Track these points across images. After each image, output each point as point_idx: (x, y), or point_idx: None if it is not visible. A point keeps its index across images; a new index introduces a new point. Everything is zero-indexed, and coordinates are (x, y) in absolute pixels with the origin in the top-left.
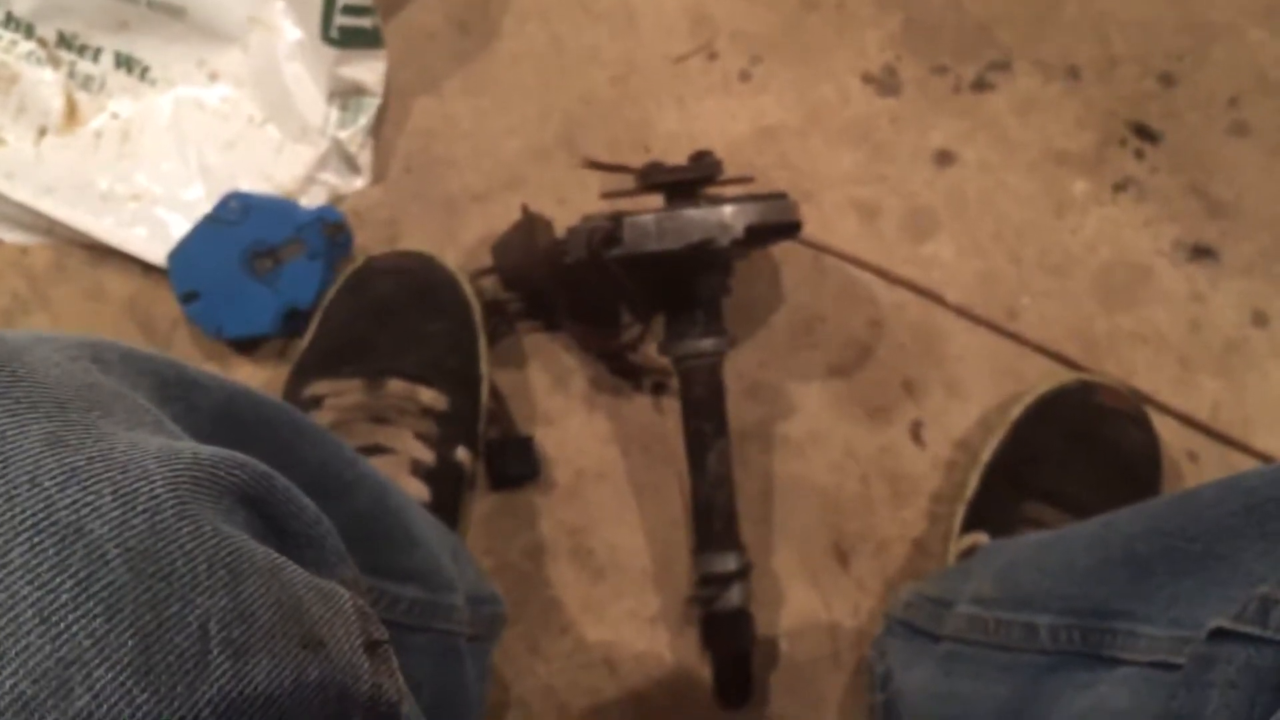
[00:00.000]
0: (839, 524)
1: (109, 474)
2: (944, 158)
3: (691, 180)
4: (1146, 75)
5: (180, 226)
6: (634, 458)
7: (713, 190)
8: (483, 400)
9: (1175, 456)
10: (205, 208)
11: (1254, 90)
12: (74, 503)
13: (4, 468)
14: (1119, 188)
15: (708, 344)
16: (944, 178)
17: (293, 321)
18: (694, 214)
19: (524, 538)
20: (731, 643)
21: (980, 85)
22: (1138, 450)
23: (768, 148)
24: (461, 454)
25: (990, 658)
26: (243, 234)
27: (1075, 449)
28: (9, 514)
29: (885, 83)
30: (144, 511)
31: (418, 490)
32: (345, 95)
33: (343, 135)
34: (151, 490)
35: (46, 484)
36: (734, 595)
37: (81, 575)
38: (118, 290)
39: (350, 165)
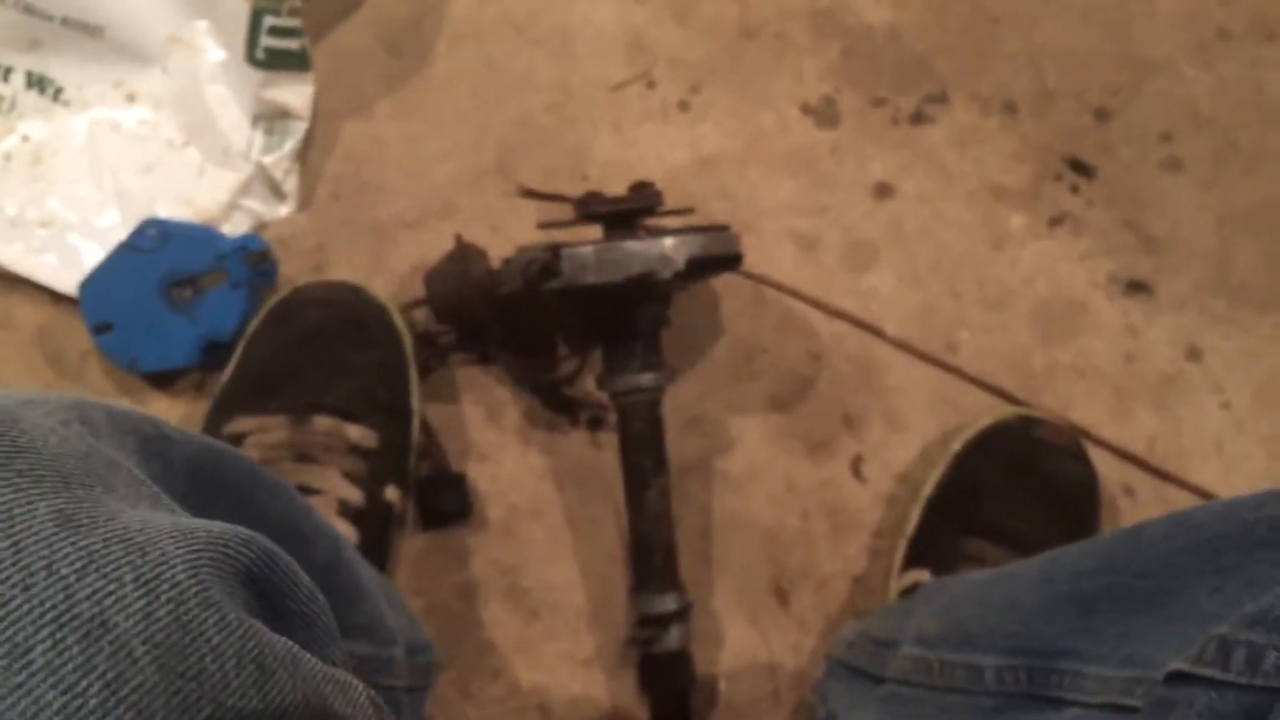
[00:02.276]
0: (779, 560)
1: (128, 558)
2: (883, 190)
3: (631, 211)
4: (1082, 110)
5: (94, 254)
6: (569, 493)
7: (653, 221)
8: (414, 436)
9: (1112, 491)
10: (121, 235)
11: (1186, 126)
12: (95, 592)
13: (17, 553)
14: (1055, 222)
15: (647, 379)
16: (883, 209)
17: (213, 354)
18: (634, 246)
19: (456, 577)
20: (670, 685)
21: (918, 118)
22: (1077, 485)
23: (707, 177)
24: (391, 493)
25: (934, 700)
26: (160, 262)
27: (1015, 484)
28: (27, 607)
29: (824, 113)
30: (168, 601)
31: (346, 531)
32: (271, 119)
33: (268, 160)
34: (173, 576)
35: (64, 570)
36: (673, 637)
37: (109, 677)
38: (26, 320)
39: (275, 191)
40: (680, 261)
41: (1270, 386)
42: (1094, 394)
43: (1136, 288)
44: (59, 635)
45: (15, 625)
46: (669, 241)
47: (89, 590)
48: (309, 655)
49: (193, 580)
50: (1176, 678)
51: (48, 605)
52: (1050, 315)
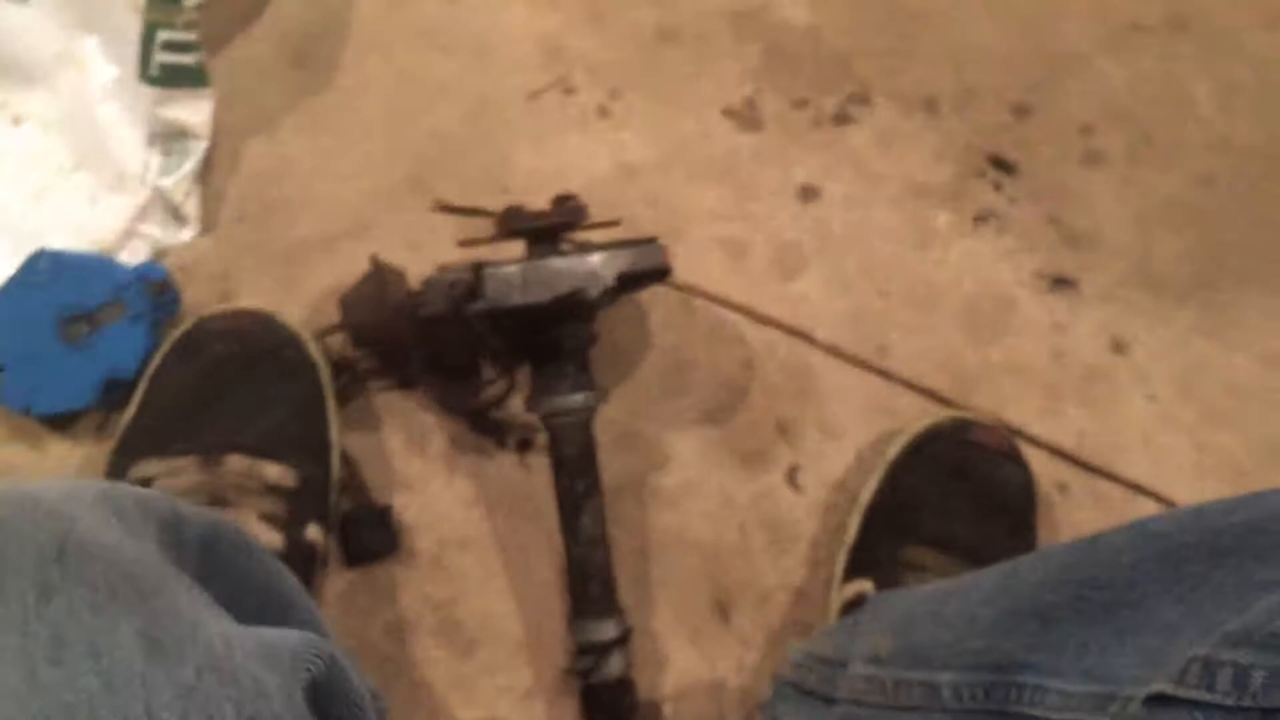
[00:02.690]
0: (718, 577)
1: (225, 690)
2: (808, 193)
3: (555, 226)
4: (1001, 107)
5: None
6: (500, 520)
7: (578, 235)
8: (334, 470)
9: (1045, 488)
10: (9, 269)
11: (1104, 119)
12: None
13: (112, 695)
14: (980, 219)
15: (578, 399)
16: (809, 213)
17: (114, 393)
18: (561, 264)
19: (385, 615)
20: (614, 714)
21: (841, 118)
22: (1013, 488)
23: (630, 186)
24: (313, 532)
25: None
26: (53, 297)
27: (953, 489)
28: None
29: (746, 117)
30: None
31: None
32: (168, 139)
33: (166, 183)
34: (273, 710)
35: (165, 715)
36: (614, 664)
37: None
38: None
39: (175, 215)
40: (609, 278)
41: (1193, 377)
42: (1024, 391)
43: (1061, 283)
44: None
45: None
46: (596, 258)
47: None
48: None
49: (290, 711)
50: (1158, 700)
51: None
52: (979, 314)
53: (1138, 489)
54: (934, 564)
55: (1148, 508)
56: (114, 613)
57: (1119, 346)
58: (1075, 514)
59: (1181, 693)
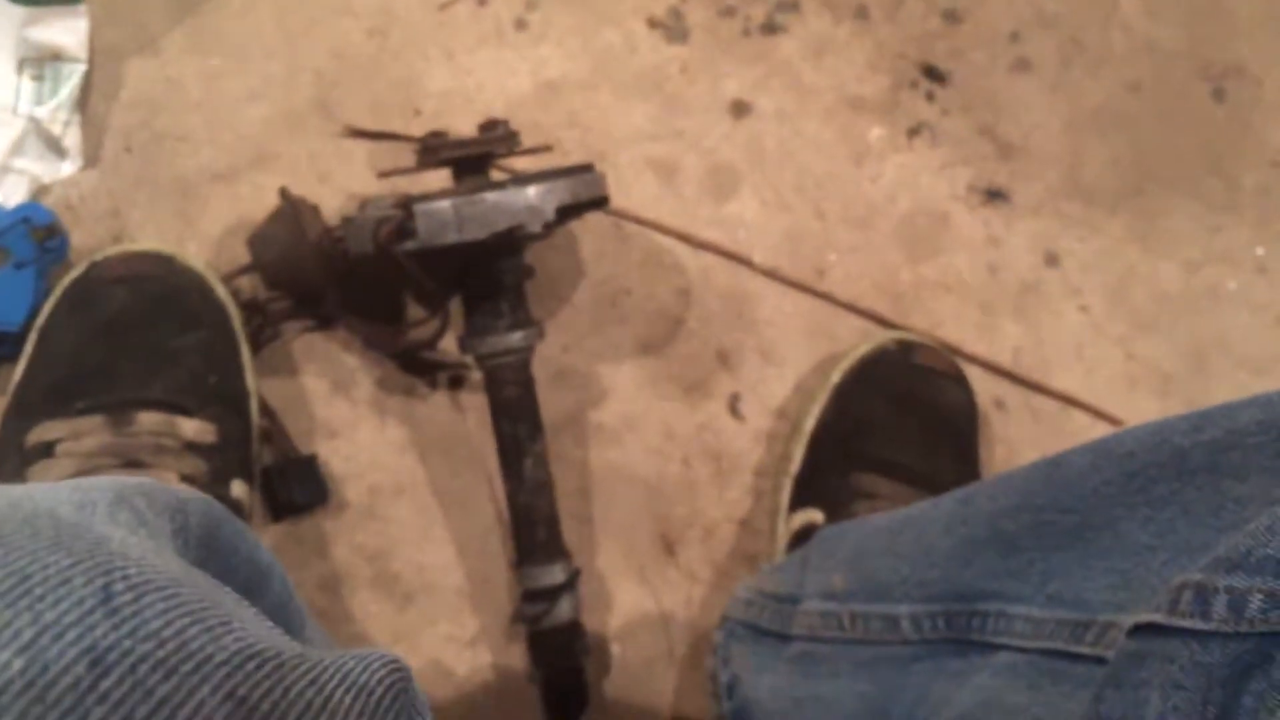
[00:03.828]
0: (663, 512)
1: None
2: (739, 108)
3: (485, 155)
4: (931, 13)
5: None
6: (435, 465)
7: (506, 163)
8: (253, 420)
9: (984, 406)
10: None
11: (1033, 24)
12: None
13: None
14: (913, 132)
15: (516, 338)
16: (741, 129)
17: (1, 347)
18: (497, 198)
19: (317, 570)
20: (564, 659)
21: (770, 28)
22: (958, 409)
23: (553, 104)
24: (237, 489)
25: (849, 654)
26: None
27: (899, 414)
28: None
29: (672, 27)
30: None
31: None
32: (40, 63)
33: (40, 112)
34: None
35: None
36: (563, 609)
37: None
38: None
39: (54, 148)
40: (549, 211)
41: (1124, 286)
42: (961, 309)
43: (995, 196)
44: None
45: None
46: (533, 190)
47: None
48: None
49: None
50: (1147, 630)
51: None
52: (914, 231)
53: (1072, 402)
54: (884, 490)
55: (1081, 421)
56: (181, 622)
57: (1051, 259)
58: (1012, 430)
59: (1175, 621)
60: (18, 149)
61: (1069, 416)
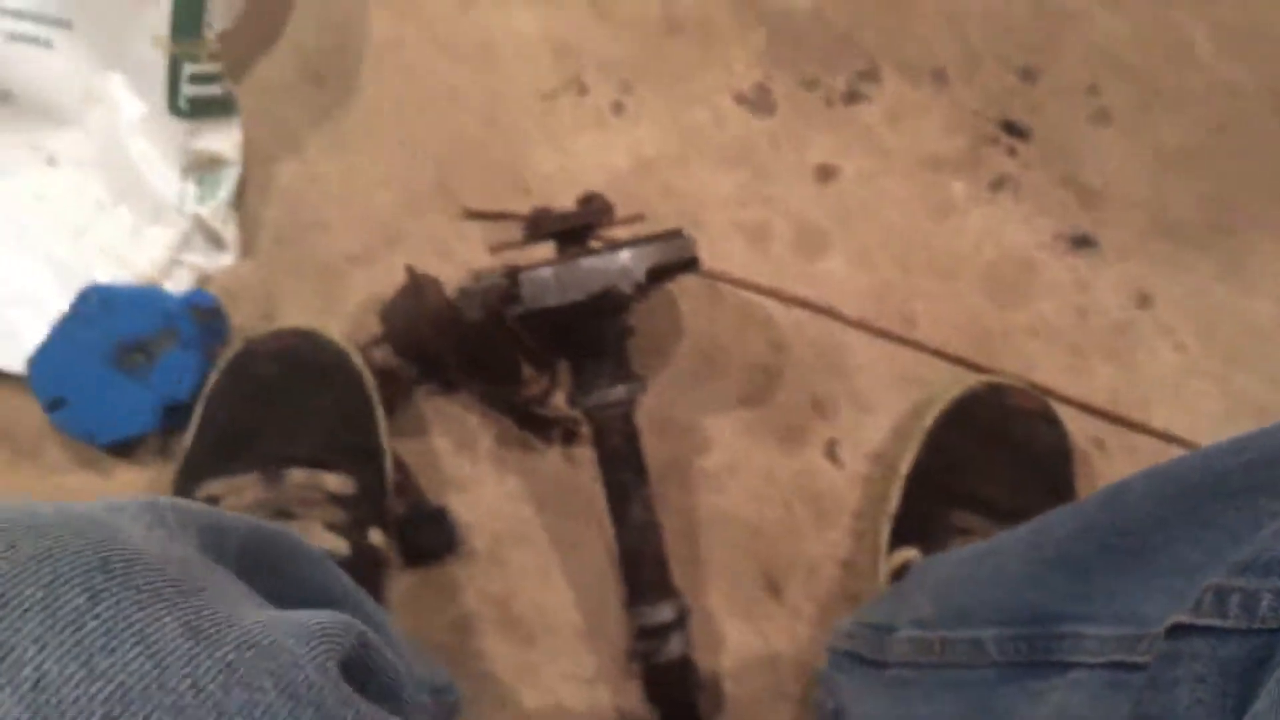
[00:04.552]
0: (766, 553)
1: (264, 664)
2: (824, 172)
3: (583, 226)
4: (1008, 71)
5: (35, 328)
6: (551, 514)
7: (605, 233)
8: (388, 475)
9: (1083, 446)
10: (61, 306)
11: (1110, 76)
12: (243, 705)
13: (161, 673)
14: (995, 186)
15: (619, 391)
16: (827, 192)
17: (172, 417)
18: (593, 263)
19: (448, 612)
20: (677, 693)
21: (851, 96)
22: (1050, 446)
23: (649, 178)
24: (375, 536)
25: (940, 678)
26: (108, 330)
27: (991, 453)
28: None
29: (758, 102)
30: (309, 704)
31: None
32: (201, 168)
33: (203, 211)
34: (308, 678)
35: (210, 687)
36: (674, 645)
37: None
38: None
39: (215, 242)
40: (640, 273)
41: (1218, 323)
42: (1052, 352)
43: (1081, 242)
44: None
45: None
46: (626, 254)
47: (238, 704)
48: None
49: (325, 679)
50: (1178, 630)
51: None
52: (1001, 279)
53: (1172, 439)
54: (978, 527)
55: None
56: (158, 608)
57: (1143, 300)
58: (1113, 468)
59: (1197, 620)
60: (185, 244)
61: (1168, 453)
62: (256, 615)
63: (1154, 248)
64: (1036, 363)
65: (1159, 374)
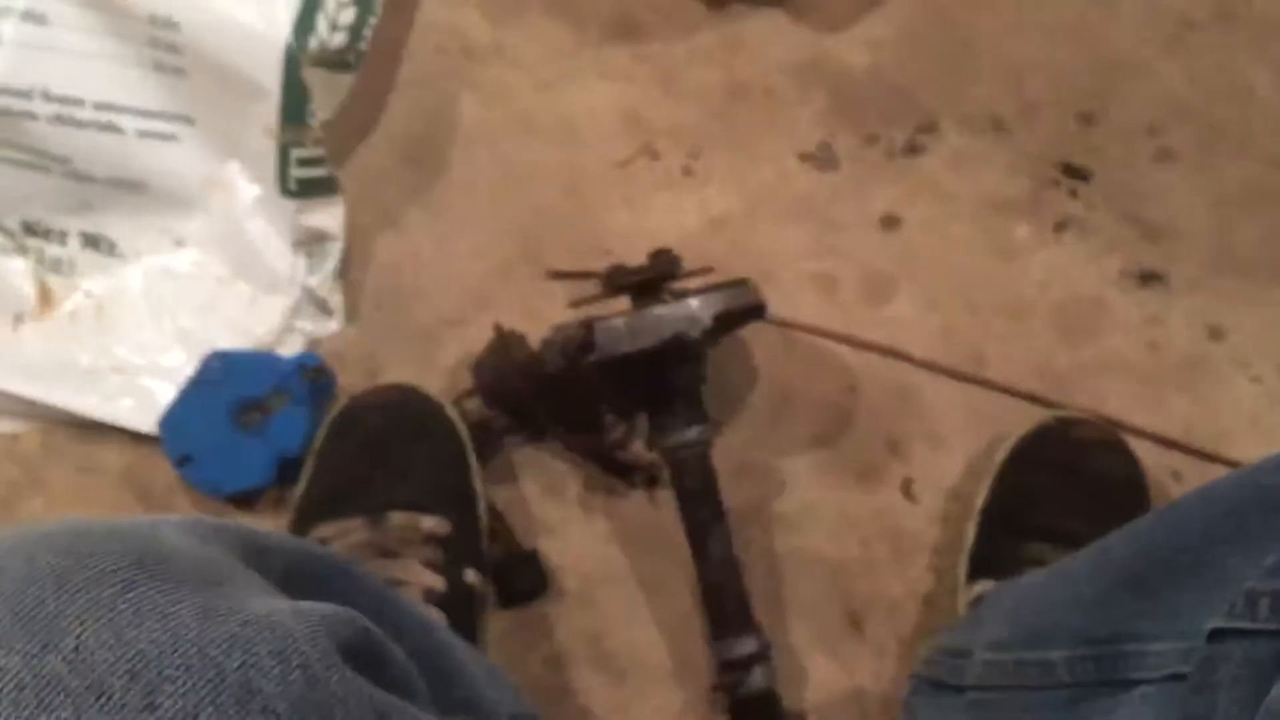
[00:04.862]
0: (848, 590)
1: (261, 636)
2: (889, 222)
3: (654, 279)
4: (1066, 116)
5: (165, 392)
6: (637, 554)
7: (676, 285)
8: (482, 519)
9: (1160, 478)
10: (187, 371)
11: (1170, 117)
12: (240, 665)
13: (175, 643)
14: (1060, 227)
15: (693, 433)
16: (892, 241)
17: (286, 469)
18: (662, 311)
19: (542, 650)
20: None
21: (912, 149)
22: (1122, 477)
23: (719, 236)
24: (471, 576)
25: (1014, 700)
26: (228, 391)
27: (1064, 486)
28: (191, 682)
29: (822, 158)
30: (298, 667)
31: (433, 617)
32: (310, 243)
33: (312, 282)
34: (299, 647)
35: (214, 653)
36: (758, 677)
37: None
38: (112, 463)
39: (323, 309)
40: (707, 319)
41: None
42: (1124, 387)
43: (1149, 278)
44: (219, 700)
45: (184, 697)
46: (693, 302)
47: (236, 664)
48: (412, 707)
49: (315, 649)
50: (1215, 634)
51: (206, 679)
52: (1069, 317)
53: None
54: (1053, 559)
55: None
56: (180, 595)
57: (1216, 333)
58: None
59: (1232, 624)
60: (296, 312)
61: None
62: (267, 603)
63: (1223, 282)
64: (1109, 397)
65: (1236, 405)
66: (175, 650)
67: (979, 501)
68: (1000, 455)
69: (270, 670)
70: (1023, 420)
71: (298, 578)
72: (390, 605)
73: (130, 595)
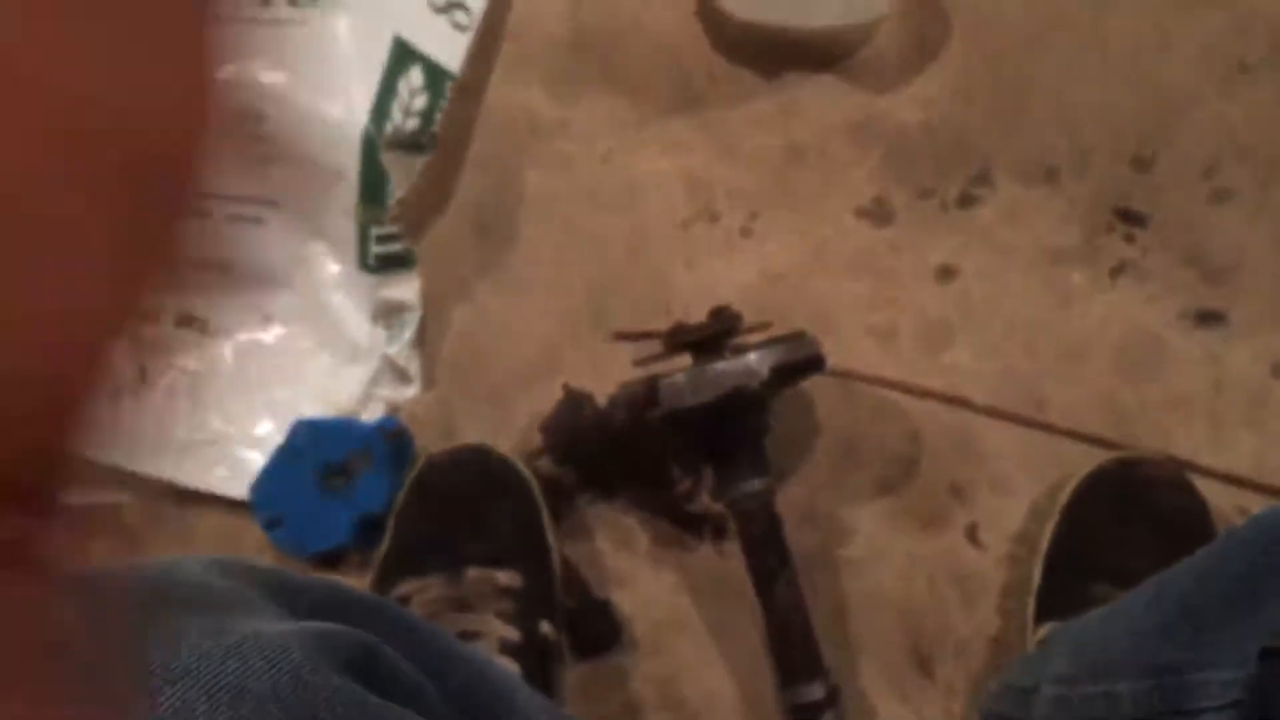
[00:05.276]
0: (916, 633)
1: (257, 645)
2: (945, 273)
3: (714, 335)
4: (1120, 162)
5: (255, 460)
6: (706, 603)
7: (737, 341)
8: (555, 572)
9: (1227, 514)
10: (276, 439)
11: (1227, 157)
12: (236, 669)
13: (185, 652)
14: (1116, 272)
15: (757, 483)
16: (949, 292)
17: (370, 529)
18: (722, 366)
19: (619, 697)
20: None
21: (966, 200)
22: (1187, 515)
23: (779, 292)
24: (546, 628)
25: None
26: (313, 457)
27: (1128, 525)
28: (190, 681)
29: (878, 214)
30: (288, 672)
31: (508, 668)
32: (388, 314)
33: (391, 351)
34: (290, 655)
35: (212, 659)
36: None
37: None
38: (207, 529)
39: (401, 377)
40: (765, 371)
41: None
42: (1189, 425)
43: (1209, 318)
44: (215, 696)
45: (183, 694)
46: (753, 356)
47: (232, 669)
48: (413, 714)
49: (305, 656)
50: (1265, 654)
51: (204, 680)
52: (1130, 358)
53: None
54: (1119, 598)
55: None
56: (189, 617)
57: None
58: None
59: (1275, 643)
60: (376, 380)
61: None
62: (275, 625)
63: None
64: (1174, 436)
65: None
66: (178, 657)
67: (1044, 544)
68: (1064, 497)
69: (262, 673)
70: (1084, 462)
71: (324, 611)
72: (440, 645)
73: (151, 620)
